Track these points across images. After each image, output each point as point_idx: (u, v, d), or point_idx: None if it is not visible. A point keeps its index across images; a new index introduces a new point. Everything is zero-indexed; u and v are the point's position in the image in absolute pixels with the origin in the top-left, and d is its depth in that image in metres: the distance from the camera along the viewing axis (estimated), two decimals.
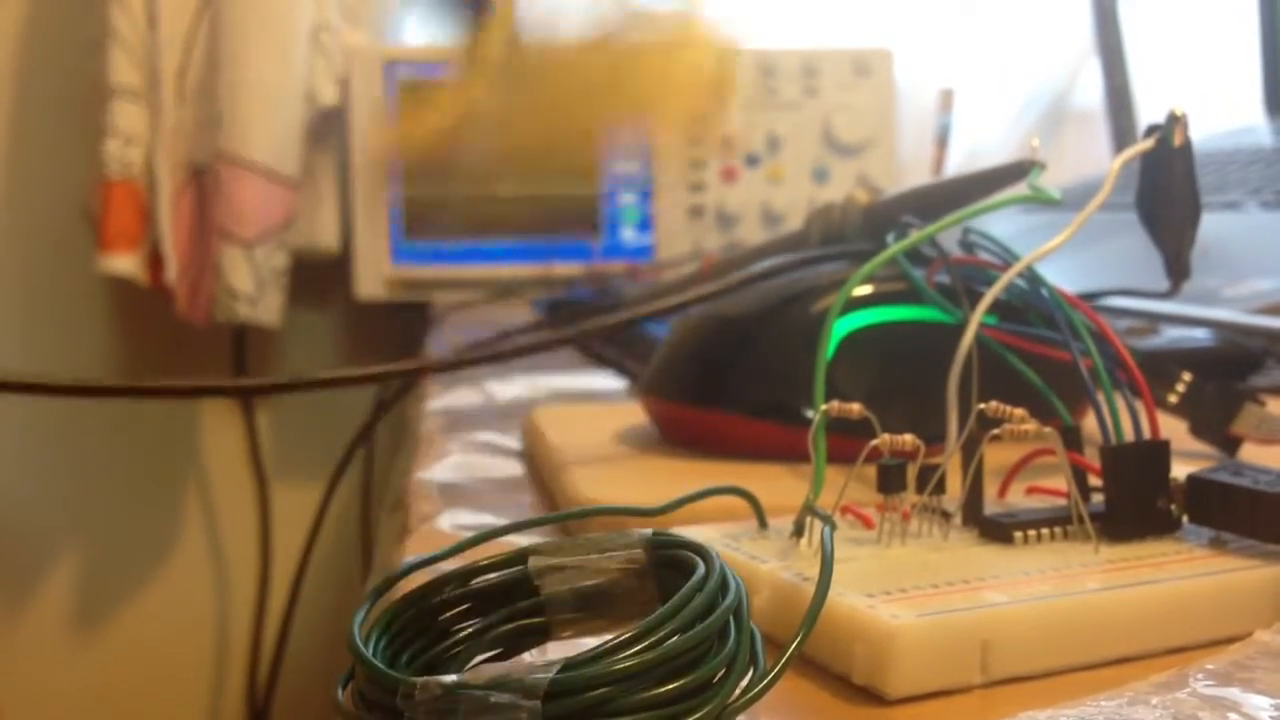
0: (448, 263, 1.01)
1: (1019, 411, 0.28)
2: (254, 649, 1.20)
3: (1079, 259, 0.73)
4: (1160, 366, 0.39)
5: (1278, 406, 0.39)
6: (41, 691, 1.23)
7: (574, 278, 0.99)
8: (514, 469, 0.46)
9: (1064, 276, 0.73)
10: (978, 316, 0.31)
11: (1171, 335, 0.55)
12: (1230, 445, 0.38)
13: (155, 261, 1.04)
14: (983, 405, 0.29)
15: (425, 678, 0.19)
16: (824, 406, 0.29)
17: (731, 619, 0.21)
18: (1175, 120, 0.34)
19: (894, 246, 0.33)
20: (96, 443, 1.20)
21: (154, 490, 1.23)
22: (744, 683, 0.21)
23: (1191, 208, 0.35)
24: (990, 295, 0.32)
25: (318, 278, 1.15)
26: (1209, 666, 0.25)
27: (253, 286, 1.01)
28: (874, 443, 0.28)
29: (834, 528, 0.25)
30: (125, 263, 1.02)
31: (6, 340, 1.18)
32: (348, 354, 1.23)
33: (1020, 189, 0.36)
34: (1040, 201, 0.34)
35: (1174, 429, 0.39)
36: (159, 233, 1.02)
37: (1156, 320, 0.51)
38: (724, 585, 0.22)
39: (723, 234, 1.04)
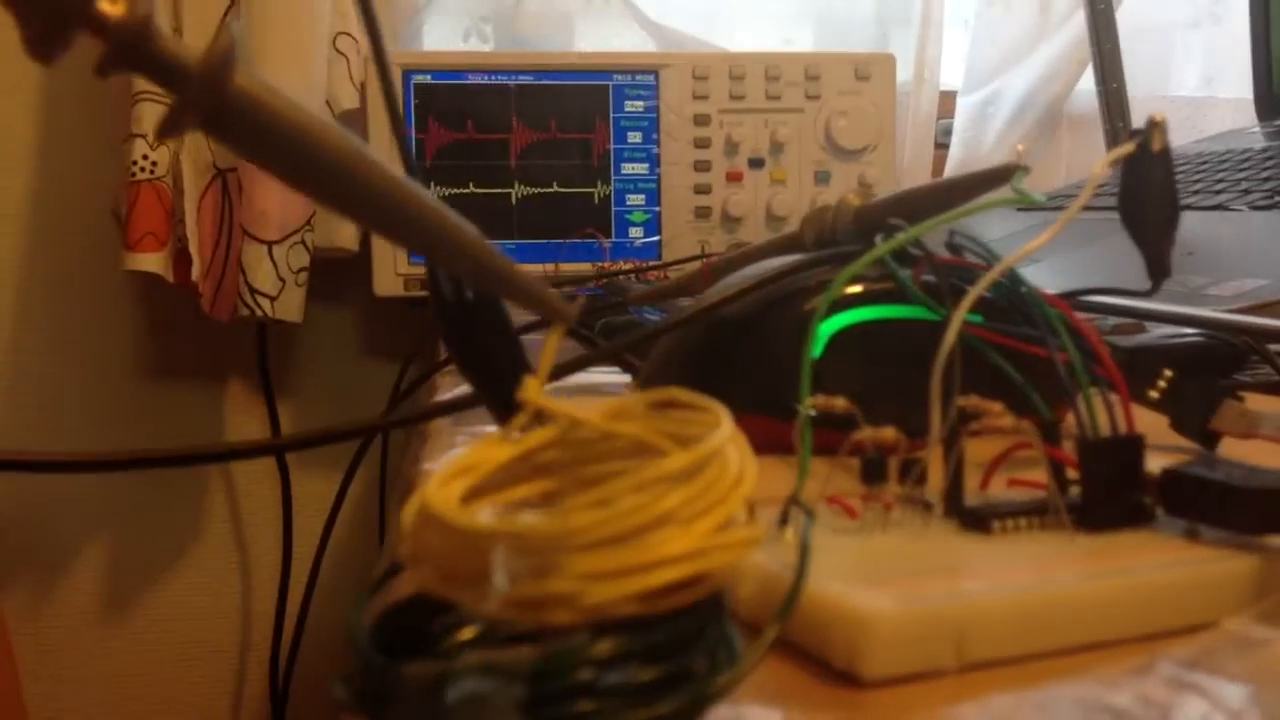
0: None
1: (996, 406, 0.29)
2: (276, 634, 1.23)
3: (1076, 257, 0.74)
4: (1143, 363, 0.40)
5: (1258, 402, 0.40)
6: (69, 675, 1.26)
7: (583, 277, 1.01)
8: None
9: (1062, 274, 0.74)
10: (960, 314, 0.32)
11: (1161, 332, 0.56)
12: (1210, 440, 0.39)
13: (180, 260, 1.06)
14: (961, 400, 0.30)
15: (415, 665, 0.20)
16: (809, 402, 0.30)
17: (710, 610, 0.22)
18: (1154, 125, 0.35)
19: (878, 248, 0.34)
20: (123, 433, 1.23)
21: (179, 480, 1.26)
22: (721, 671, 0.22)
23: (1171, 210, 0.36)
24: (973, 294, 0.33)
25: (338, 275, 1.17)
26: (1177, 653, 0.26)
27: (274, 285, 1.03)
28: (855, 435, 0.29)
29: (813, 519, 0.26)
30: (151, 261, 1.05)
31: (38, 335, 1.21)
32: (366, 348, 1.26)
33: (1005, 192, 0.37)
34: (1023, 204, 0.35)
35: (1158, 424, 0.40)
36: (184, 232, 1.04)
37: (1142, 318, 0.52)
38: None
39: (727, 234, 1.05)
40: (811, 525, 0.26)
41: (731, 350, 0.41)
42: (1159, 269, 0.37)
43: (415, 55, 1.10)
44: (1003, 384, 0.34)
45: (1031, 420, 0.30)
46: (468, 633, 0.24)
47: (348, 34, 1.04)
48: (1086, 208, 0.80)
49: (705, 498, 0.21)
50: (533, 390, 0.24)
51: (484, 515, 0.22)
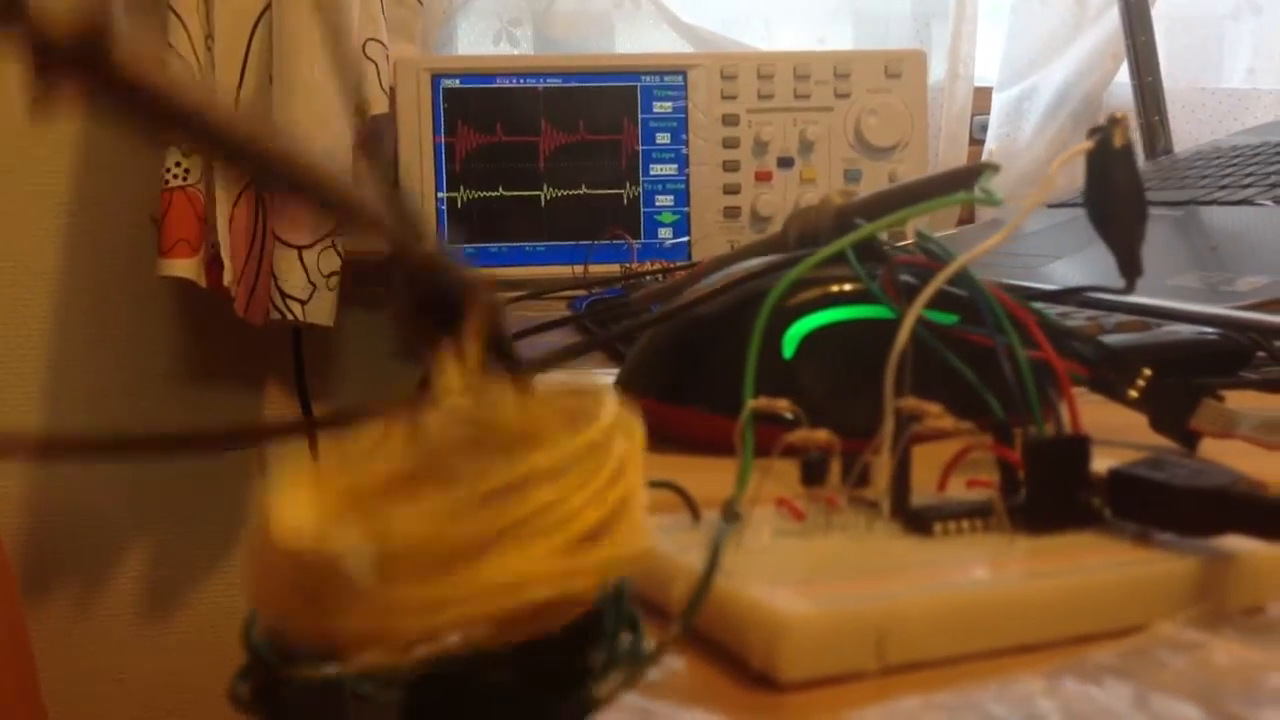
0: (491, 264, 1.03)
1: (934, 408, 0.29)
2: None
3: (1095, 252, 0.73)
4: (1123, 362, 0.39)
5: (1263, 400, 0.39)
6: (111, 678, 1.28)
7: (610, 278, 1.01)
8: None
9: (1086, 269, 0.73)
10: (914, 313, 0.32)
11: (1168, 330, 0.55)
12: (1190, 440, 0.38)
13: (214, 265, 1.08)
14: (899, 402, 0.29)
15: (301, 668, 0.21)
16: (751, 404, 0.30)
17: (611, 608, 0.22)
18: (1115, 122, 0.34)
19: (828, 248, 0.34)
20: None
21: (219, 481, 1.28)
22: (619, 670, 0.22)
23: (1137, 206, 0.36)
24: (926, 293, 0.32)
25: (370, 278, 1.18)
26: (1104, 656, 0.26)
27: (305, 289, 1.04)
28: (788, 437, 0.29)
29: (738, 521, 0.26)
30: (184, 267, 1.06)
31: (79, 340, 1.23)
32: (399, 349, 1.27)
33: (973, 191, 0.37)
34: (985, 203, 0.34)
35: (1139, 423, 0.39)
36: (216, 238, 1.06)
37: (1142, 315, 0.51)
38: None
39: (757, 234, 1.05)
40: (731, 527, 0.26)
41: (705, 353, 0.41)
42: (1130, 267, 0.37)
43: (443, 59, 1.11)
44: (967, 385, 0.34)
45: (980, 421, 0.30)
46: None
47: (377, 40, 1.05)
48: None
49: (557, 510, 0.18)
50: (450, 376, 0.23)
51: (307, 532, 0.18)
